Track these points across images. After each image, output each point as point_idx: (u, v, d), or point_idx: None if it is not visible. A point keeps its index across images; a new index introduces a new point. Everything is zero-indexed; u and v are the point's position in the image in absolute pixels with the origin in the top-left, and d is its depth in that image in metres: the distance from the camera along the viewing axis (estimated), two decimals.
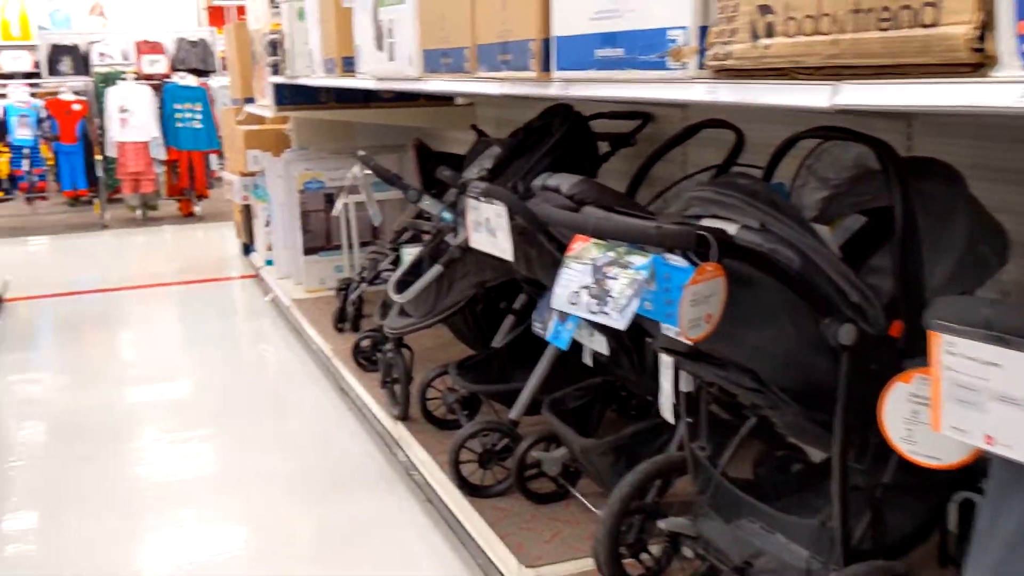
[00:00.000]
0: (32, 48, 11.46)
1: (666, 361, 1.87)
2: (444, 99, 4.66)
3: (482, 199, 2.20)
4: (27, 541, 2.85)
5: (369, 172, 3.48)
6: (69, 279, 6.65)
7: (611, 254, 1.50)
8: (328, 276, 5.12)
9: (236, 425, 3.75)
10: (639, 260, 1.47)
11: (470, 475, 2.62)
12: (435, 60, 2.54)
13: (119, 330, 5.42)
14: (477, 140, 3.56)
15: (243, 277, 6.42)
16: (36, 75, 10.61)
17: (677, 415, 2.00)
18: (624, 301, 1.45)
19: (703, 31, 1.42)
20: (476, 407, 3.01)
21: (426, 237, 3.56)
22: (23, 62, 11.79)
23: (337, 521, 2.91)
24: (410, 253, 3.25)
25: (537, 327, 2.39)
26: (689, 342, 1.51)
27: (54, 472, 3.33)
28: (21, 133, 8.28)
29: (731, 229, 1.67)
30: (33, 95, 8.53)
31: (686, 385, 1.92)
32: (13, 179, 8.38)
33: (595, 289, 1.49)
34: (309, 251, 5.15)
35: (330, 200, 5.10)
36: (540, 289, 2.59)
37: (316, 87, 4.41)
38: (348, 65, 3.44)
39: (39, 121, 8.36)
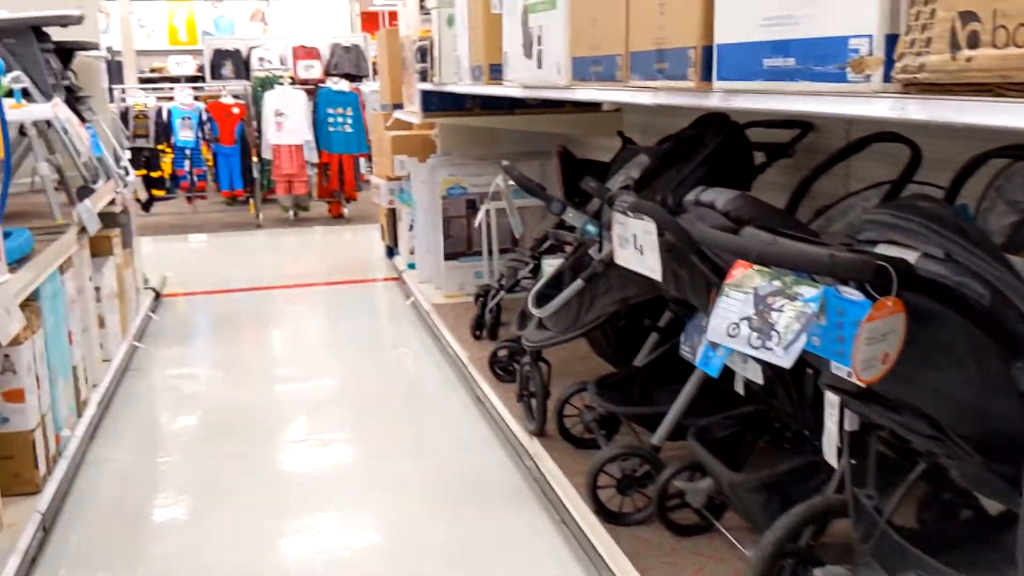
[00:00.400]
0: (197, 53, 12.07)
1: (831, 400, 1.72)
2: (590, 105, 4.57)
3: (630, 214, 2.09)
4: (174, 537, 2.92)
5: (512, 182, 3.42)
6: (224, 276, 6.91)
7: (776, 283, 1.37)
8: (467, 282, 5.12)
9: (375, 429, 3.77)
10: (808, 291, 1.34)
11: (608, 500, 2.52)
12: (585, 68, 2.45)
13: (269, 328, 5.58)
14: (623, 147, 3.45)
15: (386, 279, 6.51)
16: (200, 79, 11.15)
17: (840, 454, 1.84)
18: (790, 336, 1.32)
19: (891, 40, 1.27)
20: (615, 427, 2.91)
21: (567, 248, 3.48)
22: (187, 66, 12.43)
23: (469, 533, 2.86)
24: (551, 265, 3.18)
25: (685, 350, 2.27)
26: (861, 384, 1.36)
27: (202, 468, 3.42)
28: (184, 135, 8.68)
29: (911, 257, 1.51)
30: (196, 98, 8.92)
31: (851, 424, 1.76)
32: (175, 178, 8.79)
33: (757, 321, 1.37)
34: (450, 256, 5.16)
35: (472, 206, 5.09)
36: (689, 309, 2.47)
37: (462, 93, 4.40)
38: (495, 72, 3.39)
39: (200, 123, 8.74)
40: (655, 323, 2.82)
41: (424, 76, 4.71)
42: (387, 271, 6.70)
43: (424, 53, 4.68)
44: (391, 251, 6.78)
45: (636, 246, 2.04)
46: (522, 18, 2.86)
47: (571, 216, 2.77)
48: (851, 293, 1.33)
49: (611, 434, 2.88)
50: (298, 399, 4.17)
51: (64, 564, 2.71)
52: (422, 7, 4.87)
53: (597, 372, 3.25)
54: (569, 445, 2.99)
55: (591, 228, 2.67)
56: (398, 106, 5.89)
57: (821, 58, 1.39)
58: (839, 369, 1.39)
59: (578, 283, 2.65)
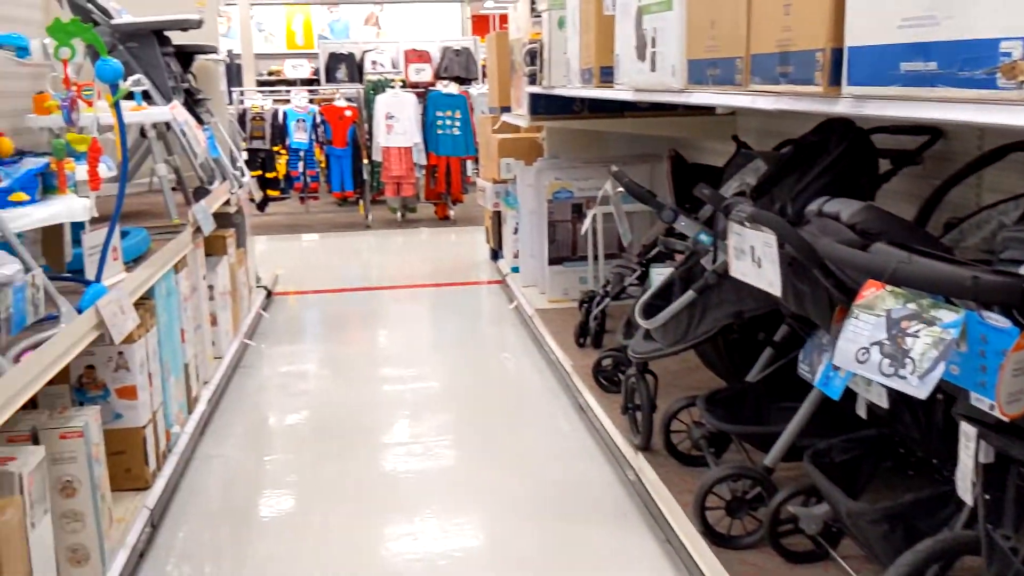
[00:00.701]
0: (313, 56, 12.35)
1: (967, 431, 1.58)
2: (702, 109, 4.44)
3: (748, 224, 1.99)
4: (277, 535, 2.95)
5: (621, 189, 3.34)
6: (333, 276, 7.03)
7: (912, 306, 1.26)
8: (572, 287, 5.06)
9: (476, 434, 3.74)
10: (948, 316, 1.23)
11: (716, 522, 2.41)
12: (701, 71, 2.36)
13: (375, 328, 5.64)
14: (737, 152, 3.33)
15: (490, 282, 6.51)
16: (315, 82, 11.40)
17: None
18: (927, 365, 1.21)
19: None
20: (724, 445, 2.80)
21: (677, 256, 3.38)
22: (303, 70, 12.74)
23: (569, 546, 2.80)
24: (659, 274, 3.08)
25: (803, 368, 2.15)
26: (1005, 418, 1.24)
27: (306, 467, 3.45)
28: (298, 137, 8.88)
29: None
30: (310, 101, 9.12)
31: (986, 456, 1.63)
32: (289, 179, 9.00)
33: (890, 347, 1.26)
34: (554, 261, 5.10)
35: (578, 210, 5.03)
36: (808, 325, 2.34)
37: (571, 96, 4.34)
38: (606, 75, 3.32)
39: (314, 126, 8.92)
40: (770, 337, 2.70)
41: (533, 79, 4.67)
42: (491, 274, 6.70)
43: (534, 56, 4.63)
44: (495, 254, 6.78)
45: (754, 258, 1.94)
46: (636, 20, 2.78)
47: (683, 224, 2.67)
48: (996, 319, 1.21)
49: (720, 452, 2.77)
50: (401, 400, 4.18)
51: (171, 559, 2.76)
52: (533, 9, 4.83)
53: (706, 385, 3.15)
54: (675, 461, 2.89)
55: (704, 238, 2.57)
56: (506, 109, 5.87)
57: (967, 62, 1.28)
58: (979, 401, 1.28)
59: (689, 294, 2.56)
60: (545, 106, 4.75)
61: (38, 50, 2.84)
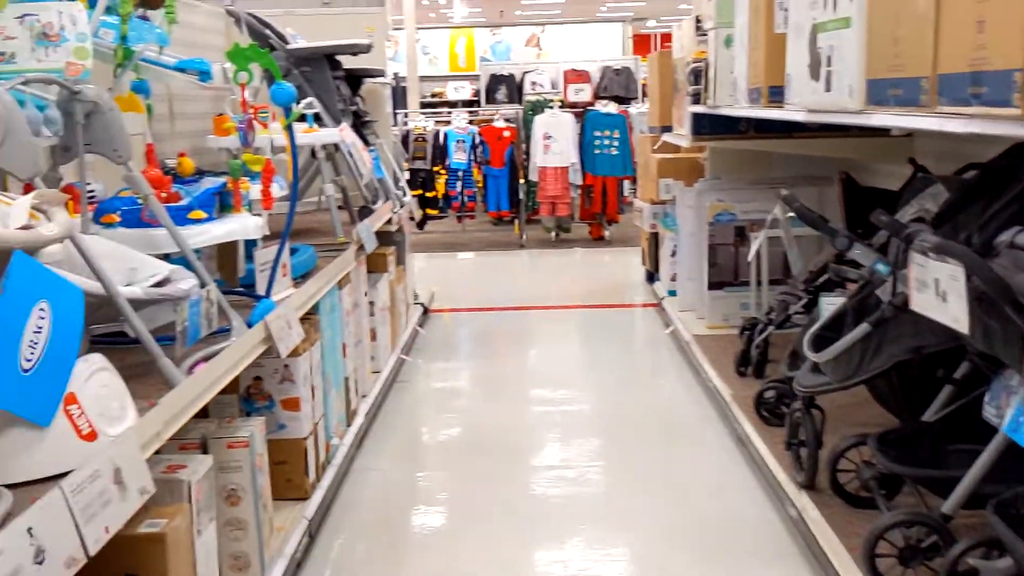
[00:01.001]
0: (474, 78, 12.62)
1: None
2: (876, 130, 4.22)
3: (932, 255, 1.86)
4: (429, 552, 2.98)
5: (792, 214, 3.21)
6: (487, 294, 7.10)
7: None
8: (732, 313, 4.89)
9: (628, 461, 3.67)
10: None
11: (887, 571, 2.26)
12: (881, 91, 2.23)
13: (527, 347, 5.65)
14: (914, 176, 3.15)
15: (645, 305, 6.40)
16: (475, 103, 11.62)
17: None
18: None
19: None
20: (896, 488, 2.62)
21: (848, 285, 3.21)
22: (464, 91, 13.03)
23: None
24: (830, 303, 2.93)
25: (989, 411, 1.98)
26: None
27: (458, 485, 3.48)
28: (458, 157, 9.05)
29: None
30: (470, 122, 9.28)
31: None
32: (447, 198, 9.18)
33: None
34: (714, 285, 4.96)
35: (740, 234, 4.87)
36: (994, 364, 2.16)
37: (736, 116, 4.21)
38: (775, 95, 3.20)
39: (473, 146, 9.08)
40: (949, 374, 2.51)
41: (696, 98, 4.58)
42: (646, 296, 6.59)
43: (697, 75, 4.54)
44: (651, 276, 6.67)
45: (938, 291, 1.80)
46: (810, 38, 2.67)
47: (859, 252, 2.53)
48: None
49: (892, 495, 2.60)
50: (552, 422, 4.15)
51: (327, 570, 2.82)
52: (698, 28, 4.74)
53: (875, 422, 2.98)
54: (841, 502, 2.73)
55: (882, 267, 2.42)
56: (666, 129, 5.78)
57: None
58: None
59: (863, 327, 2.41)
60: (708, 126, 4.64)
61: (219, 74, 2.99)
